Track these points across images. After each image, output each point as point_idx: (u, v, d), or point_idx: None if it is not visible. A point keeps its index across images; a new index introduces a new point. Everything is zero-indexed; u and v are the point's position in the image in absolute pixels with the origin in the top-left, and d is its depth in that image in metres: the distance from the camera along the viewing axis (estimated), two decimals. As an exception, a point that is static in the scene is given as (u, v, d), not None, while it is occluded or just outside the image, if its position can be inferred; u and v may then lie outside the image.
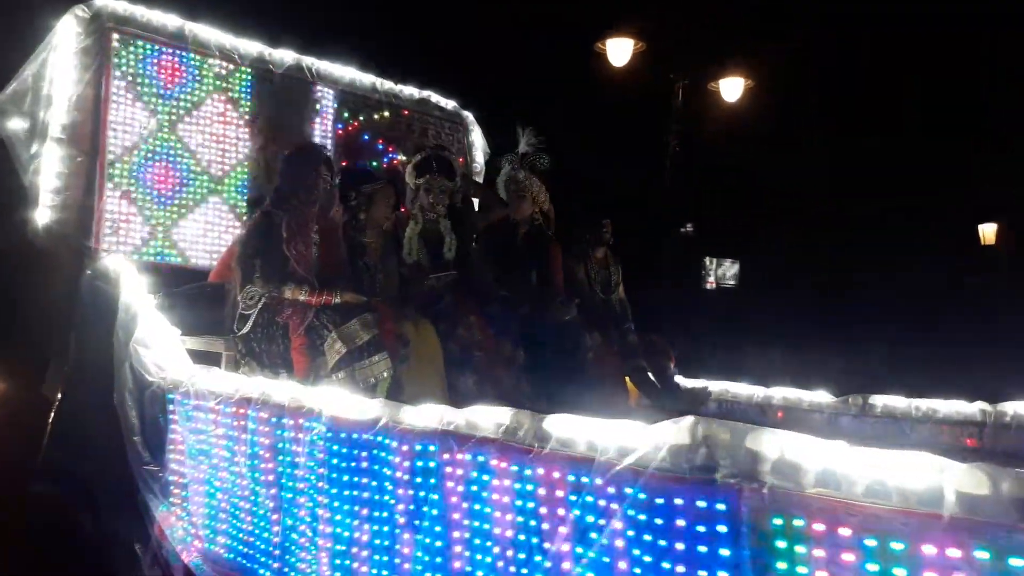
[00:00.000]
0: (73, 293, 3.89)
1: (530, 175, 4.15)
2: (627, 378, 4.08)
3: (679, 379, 4.09)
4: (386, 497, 2.23)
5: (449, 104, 5.72)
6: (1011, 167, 13.66)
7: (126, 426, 3.27)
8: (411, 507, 2.15)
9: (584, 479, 1.74)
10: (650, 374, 4.04)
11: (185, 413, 3.02)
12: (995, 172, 14.24)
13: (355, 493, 2.32)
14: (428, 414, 2.18)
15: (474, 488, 1.99)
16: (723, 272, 18.67)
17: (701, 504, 1.54)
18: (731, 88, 10.37)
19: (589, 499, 1.73)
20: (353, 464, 2.32)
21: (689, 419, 1.65)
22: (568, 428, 1.85)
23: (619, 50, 9.57)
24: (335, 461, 2.37)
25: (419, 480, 2.13)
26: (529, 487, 1.85)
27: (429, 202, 3.91)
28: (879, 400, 3.72)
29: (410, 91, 5.49)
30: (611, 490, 1.68)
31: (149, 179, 4.30)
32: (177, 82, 4.40)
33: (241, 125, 4.66)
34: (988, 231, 15.20)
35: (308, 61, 4.96)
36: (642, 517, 1.62)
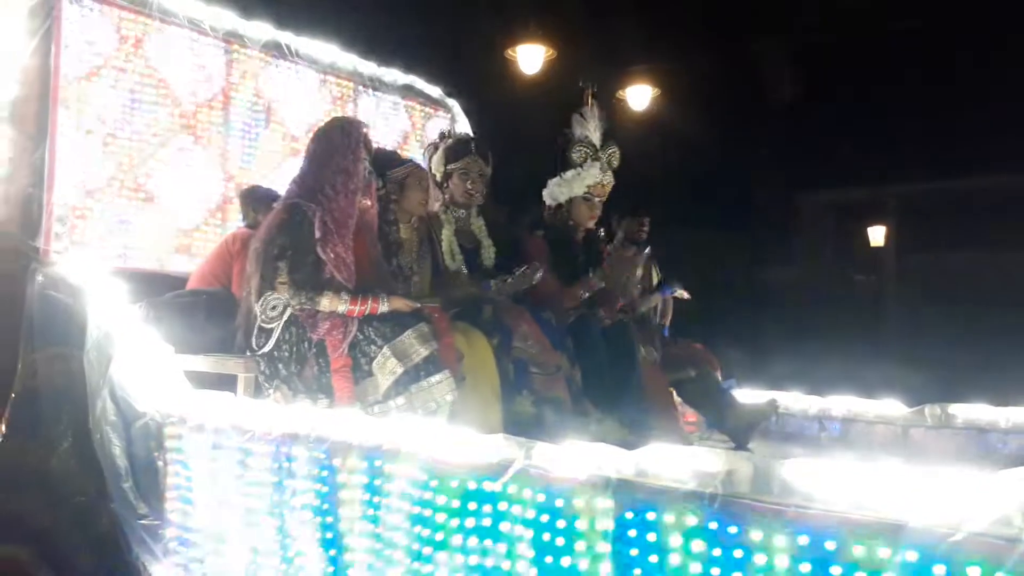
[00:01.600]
0: (18, 305, 3.19)
1: (611, 174, 3.63)
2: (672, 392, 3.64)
3: (735, 392, 3.68)
4: (520, 566, 1.71)
5: (434, 92, 5.20)
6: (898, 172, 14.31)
7: (110, 470, 2.63)
8: (564, 580, 1.64)
9: (882, 551, 1.28)
10: (701, 388, 3.61)
11: (196, 452, 2.41)
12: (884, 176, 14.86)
13: (470, 560, 1.79)
14: (581, 457, 1.68)
15: (675, 561, 1.50)
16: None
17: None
18: (638, 96, 10.25)
19: (887, 578, 1.27)
20: (472, 523, 1.79)
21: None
22: (822, 478, 1.39)
23: (530, 57, 9.25)
24: (440, 518, 1.83)
25: (580, 546, 1.62)
26: (783, 561, 1.37)
27: (466, 190, 3.36)
28: (960, 410, 3.40)
29: (393, 75, 4.94)
30: (938, 571, 1.22)
31: (109, 167, 3.62)
32: (140, 55, 3.73)
33: (216, 108, 4.02)
34: (876, 233, 15.76)
35: (286, 38, 4.36)
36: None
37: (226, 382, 2.80)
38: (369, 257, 2.87)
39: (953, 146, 13.70)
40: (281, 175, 4.26)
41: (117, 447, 2.65)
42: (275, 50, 4.27)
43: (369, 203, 2.93)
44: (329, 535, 2.10)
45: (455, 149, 3.39)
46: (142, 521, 2.53)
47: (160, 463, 2.57)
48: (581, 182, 3.55)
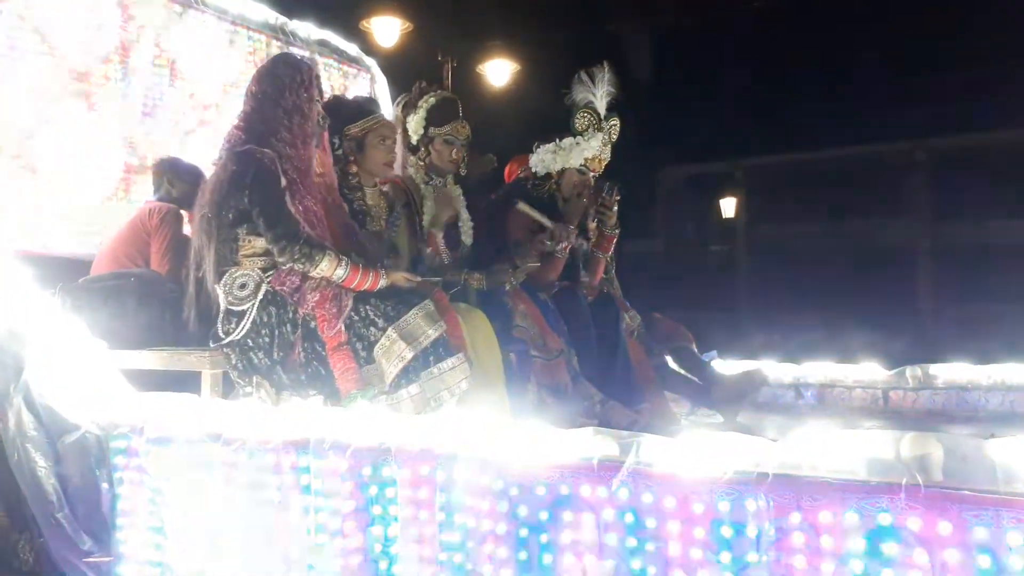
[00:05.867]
0: None
1: (610, 148, 3.22)
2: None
3: (716, 364, 3.48)
4: (636, 584, 1.42)
5: (351, 49, 4.72)
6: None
7: (35, 497, 2.11)
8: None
9: None
10: (676, 365, 3.40)
11: (162, 470, 1.95)
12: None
13: (564, 582, 1.47)
14: (707, 451, 1.40)
15: (858, 568, 1.24)
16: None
17: None
18: (498, 71, 10.03)
19: None
20: (569, 537, 1.46)
21: None
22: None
23: (386, 30, 8.82)
24: (524, 534, 1.50)
25: (725, 558, 1.34)
26: (1018, 562, 1.14)
27: (451, 158, 2.98)
28: (940, 370, 3.36)
29: (307, 29, 4.43)
30: None
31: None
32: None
33: (112, 63, 3.41)
34: (727, 205, 16.48)
35: (192, -18, 3.77)
36: None
37: (176, 382, 2.32)
38: (336, 221, 2.44)
39: (798, 122, 14.39)
40: (191, 140, 3.73)
41: (42, 468, 2.13)
42: (179, -5, 3.70)
43: (328, 159, 2.50)
44: (356, 561, 1.72)
45: (440, 111, 2.98)
46: (88, 559, 2.04)
47: (104, 485, 2.08)
48: (580, 153, 3.14)
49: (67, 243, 3.23)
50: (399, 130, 3.13)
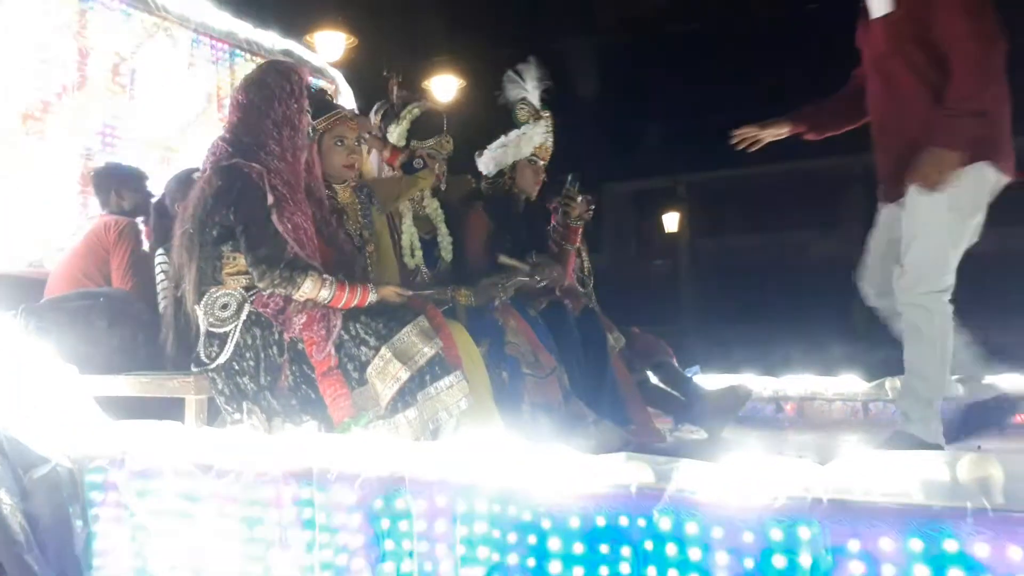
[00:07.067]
0: None
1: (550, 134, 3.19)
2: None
3: (698, 379, 3.44)
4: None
5: (316, 59, 4.61)
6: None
7: (2, 540, 1.93)
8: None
9: None
10: (658, 381, 3.35)
11: (145, 505, 1.81)
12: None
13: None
14: (750, 476, 1.33)
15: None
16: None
17: None
18: (443, 87, 10.03)
19: None
20: (606, 572, 1.38)
21: None
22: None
23: (331, 45, 8.68)
24: (555, 569, 1.42)
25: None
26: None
27: (436, 174, 2.90)
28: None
29: (272, 39, 4.30)
30: None
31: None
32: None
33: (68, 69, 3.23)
34: (669, 220, 16.73)
35: (154, -12, 3.61)
36: None
37: (152, 410, 2.16)
38: (322, 235, 2.32)
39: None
40: (152, 151, 3.56)
41: (7, 506, 1.96)
42: (138, 2, 3.54)
43: (318, 170, 2.40)
44: (366, 600, 1.61)
45: (424, 125, 2.88)
46: (61, 603, 1.89)
47: (78, 522, 1.93)
48: (528, 142, 3.13)
49: (26, 261, 3.04)
50: (368, 133, 3.02)
